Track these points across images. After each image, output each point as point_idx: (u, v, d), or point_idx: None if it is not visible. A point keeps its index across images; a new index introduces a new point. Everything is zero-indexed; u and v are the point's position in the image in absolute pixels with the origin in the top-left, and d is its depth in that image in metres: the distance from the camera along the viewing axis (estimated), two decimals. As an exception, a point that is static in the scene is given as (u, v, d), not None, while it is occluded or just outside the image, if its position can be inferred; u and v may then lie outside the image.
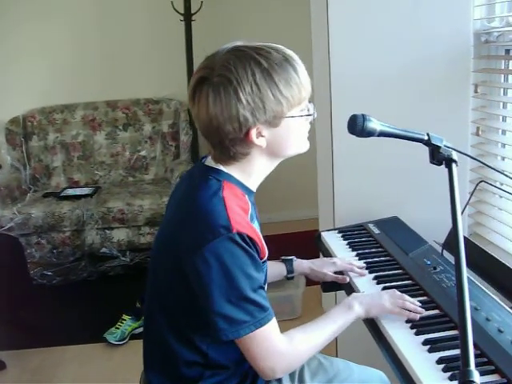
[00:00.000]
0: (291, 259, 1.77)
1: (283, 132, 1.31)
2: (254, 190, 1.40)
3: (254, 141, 1.27)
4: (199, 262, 1.20)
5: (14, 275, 3.53)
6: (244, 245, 1.22)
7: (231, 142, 1.28)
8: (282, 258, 1.78)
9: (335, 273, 1.73)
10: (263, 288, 1.29)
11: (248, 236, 1.23)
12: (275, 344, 1.28)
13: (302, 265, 1.77)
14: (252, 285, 1.23)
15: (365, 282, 1.67)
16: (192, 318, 1.32)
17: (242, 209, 1.29)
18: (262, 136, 1.28)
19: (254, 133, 1.26)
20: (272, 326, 1.27)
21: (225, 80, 1.23)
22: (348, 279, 1.68)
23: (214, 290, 1.20)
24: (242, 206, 1.31)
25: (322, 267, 1.74)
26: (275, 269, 1.75)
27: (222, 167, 1.34)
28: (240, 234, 1.21)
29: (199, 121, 1.30)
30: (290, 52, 1.31)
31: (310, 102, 1.37)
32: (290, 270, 1.76)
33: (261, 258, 1.31)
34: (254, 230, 1.29)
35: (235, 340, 1.25)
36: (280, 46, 1.31)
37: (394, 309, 1.43)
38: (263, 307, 1.25)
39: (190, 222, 1.27)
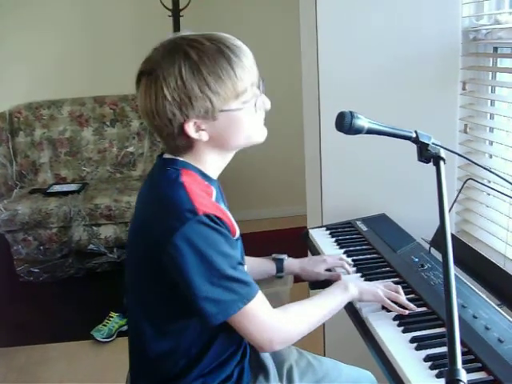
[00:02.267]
0: (282, 258, 1.76)
1: (224, 124, 1.27)
2: (215, 178, 1.38)
3: (191, 135, 1.25)
4: (173, 252, 1.18)
5: (0, 272, 3.51)
6: (213, 224, 1.20)
7: (169, 137, 1.27)
8: (273, 256, 1.77)
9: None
10: (242, 264, 1.28)
11: (215, 216, 1.21)
12: (267, 317, 1.28)
13: (292, 264, 1.76)
14: (230, 262, 1.22)
15: (353, 280, 1.66)
16: (170, 309, 1.30)
17: (204, 192, 1.28)
18: (202, 130, 1.26)
19: (190, 127, 1.24)
20: (259, 299, 1.27)
21: (154, 75, 1.22)
22: (342, 276, 1.68)
23: (194, 276, 1.18)
24: (204, 190, 1.29)
25: (315, 266, 1.72)
26: (265, 266, 1.75)
27: (177, 157, 1.33)
28: (207, 215, 1.19)
29: (141, 113, 1.30)
30: (229, 41, 1.26)
31: (260, 86, 1.32)
32: (280, 269, 1.75)
33: (232, 237, 1.29)
34: (221, 209, 1.29)
35: (227, 321, 1.24)
36: (222, 35, 1.26)
37: (386, 300, 1.44)
38: (246, 282, 1.24)
39: (155, 214, 1.26)
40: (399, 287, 1.49)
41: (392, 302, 1.45)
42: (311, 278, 1.75)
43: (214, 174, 1.37)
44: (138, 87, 1.27)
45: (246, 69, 1.26)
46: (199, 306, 1.20)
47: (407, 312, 1.42)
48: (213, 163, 1.35)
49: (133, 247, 1.37)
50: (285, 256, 1.77)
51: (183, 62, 1.20)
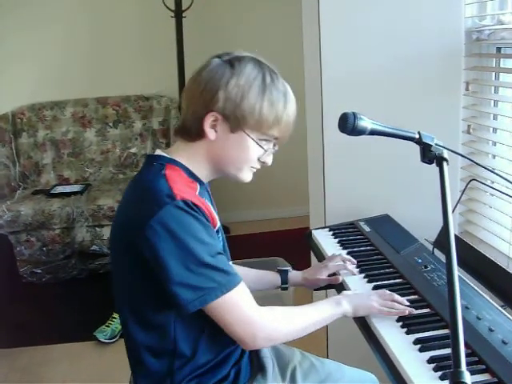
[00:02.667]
0: (286, 270, 1.76)
1: (233, 142, 1.33)
2: (204, 181, 1.39)
3: (205, 127, 1.30)
4: (150, 235, 1.19)
5: (2, 273, 3.51)
6: (190, 211, 1.21)
7: (193, 115, 1.31)
8: (278, 268, 1.78)
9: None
10: (223, 255, 1.27)
11: (193, 202, 1.22)
12: (248, 310, 1.27)
13: (296, 276, 1.77)
14: (208, 250, 1.21)
15: (356, 281, 1.66)
16: (151, 300, 1.30)
17: (187, 186, 1.30)
18: (215, 130, 1.31)
19: (208, 119, 1.29)
20: (241, 290, 1.26)
21: (232, 64, 1.30)
22: (341, 279, 1.67)
23: (170, 260, 1.18)
24: (188, 184, 1.31)
25: (315, 274, 1.72)
26: (270, 278, 1.76)
27: (164, 154, 1.35)
28: (184, 201, 1.21)
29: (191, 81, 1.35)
30: (292, 97, 1.37)
31: (275, 145, 1.39)
32: (285, 281, 1.75)
33: (212, 227, 1.29)
34: (202, 201, 1.29)
35: (205, 311, 1.23)
36: (289, 88, 1.37)
37: (383, 310, 1.42)
38: (226, 271, 1.24)
39: (135, 201, 1.28)
40: (394, 294, 1.47)
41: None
42: (314, 286, 1.77)
43: (203, 176, 1.38)
44: (204, 65, 1.33)
45: (288, 124, 1.35)
46: (173, 291, 1.20)
47: (407, 312, 1.41)
48: (202, 168, 1.37)
49: (114, 236, 1.37)
50: (289, 268, 1.78)
51: (259, 78, 1.30)
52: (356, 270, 1.71)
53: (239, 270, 1.73)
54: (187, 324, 1.31)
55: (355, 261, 1.74)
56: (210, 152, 1.34)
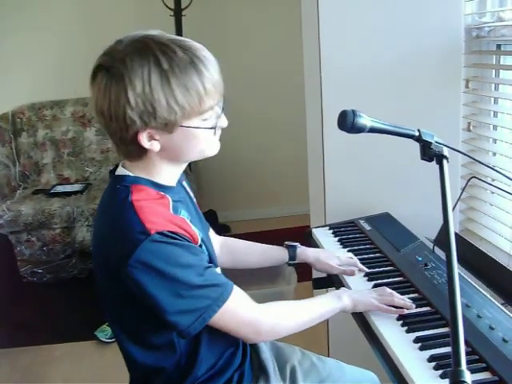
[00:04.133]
0: (295, 245, 1.73)
1: (179, 139, 1.21)
2: (173, 184, 1.32)
3: (144, 145, 1.18)
4: (132, 274, 1.13)
5: (3, 273, 3.51)
6: (169, 240, 1.15)
7: (121, 141, 1.19)
8: (286, 243, 1.75)
9: None
10: (210, 267, 1.24)
11: (168, 231, 1.16)
12: (247, 311, 1.27)
13: (305, 252, 1.73)
14: (196, 271, 1.18)
15: (356, 279, 1.66)
16: (147, 326, 1.27)
17: (158, 205, 1.22)
18: (155, 139, 1.19)
19: (144, 137, 1.17)
20: (236, 296, 1.24)
21: (118, 75, 1.13)
22: (356, 273, 1.67)
23: (160, 294, 1.14)
24: (159, 203, 1.23)
25: (329, 259, 1.70)
26: (276, 253, 1.73)
27: (127, 172, 1.26)
28: (159, 233, 1.14)
29: (93, 112, 1.22)
30: (201, 53, 1.18)
31: (220, 107, 1.25)
32: (292, 257, 1.72)
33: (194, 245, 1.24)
34: (176, 222, 1.21)
35: (210, 324, 1.22)
36: (193, 45, 1.19)
37: (382, 306, 1.42)
38: (216, 284, 1.21)
39: (110, 241, 1.20)
40: (393, 292, 1.47)
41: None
42: (323, 270, 1.73)
43: (170, 181, 1.31)
44: (94, 81, 1.17)
45: (215, 85, 1.19)
46: (173, 321, 1.18)
47: (406, 310, 1.41)
48: (166, 173, 1.28)
49: (98, 269, 1.30)
50: (298, 244, 1.75)
51: (153, 69, 1.12)
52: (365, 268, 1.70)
53: (240, 244, 1.74)
54: (187, 340, 1.29)
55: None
56: (165, 157, 1.25)
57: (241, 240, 1.76)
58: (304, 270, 2.07)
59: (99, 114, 1.18)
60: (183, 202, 1.35)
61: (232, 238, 1.74)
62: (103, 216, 1.28)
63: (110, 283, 1.24)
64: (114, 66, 1.14)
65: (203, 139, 1.24)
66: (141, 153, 1.22)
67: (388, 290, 1.48)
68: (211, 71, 1.18)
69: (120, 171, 1.28)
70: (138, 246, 1.12)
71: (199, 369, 1.32)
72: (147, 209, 1.18)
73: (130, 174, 1.26)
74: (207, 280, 1.20)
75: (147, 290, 1.14)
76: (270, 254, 1.74)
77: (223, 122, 1.27)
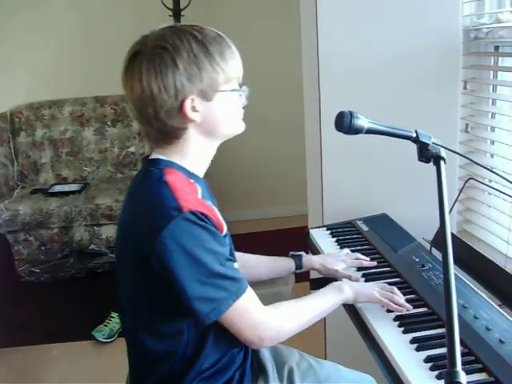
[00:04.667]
0: (300, 255, 1.76)
1: (217, 107, 1.30)
2: (201, 176, 1.38)
3: (188, 114, 1.26)
4: (160, 251, 1.17)
5: (1, 273, 3.50)
6: (199, 221, 1.20)
7: (167, 114, 1.26)
8: (291, 253, 1.78)
9: None
10: (231, 260, 1.28)
11: (201, 212, 1.21)
12: (257, 313, 1.28)
13: (311, 260, 1.76)
14: (218, 259, 1.21)
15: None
16: (161, 310, 1.29)
17: (189, 189, 1.28)
18: (197, 111, 1.27)
19: (188, 104, 1.25)
20: (249, 295, 1.27)
21: (160, 49, 1.23)
22: (360, 278, 1.67)
23: (183, 275, 1.18)
24: (189, 187, 1.29)
25: (333, 264, 1.72)
26: (282, 264, 1.76)
27: (160, 156, 1.33)
28: (192, 212, 1.19)
29: (132, 97, 1.27)
30: (221, 34, 1.33)
31: (239, 84, 1.37)
32: (299, 266, 1.75)
33: (219, 233, 1.28)
34: (207, 206, 1.28)
35: (218, 320, 1.23)
36: (213, 29, 1.33)
37: (383, 299, 1.44)
38: (234, 278, 1.24)
39: (141, 213, 1.25)
40: (394, 288, 1.48)
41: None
42: (329, 275, 1.74)
43: (200, 170, 1.38)
44: (131, 67, 1.27)
45: (237, 59, 1.33)
46: (192, 306, 1.20)
47: (405, 310, 1.42)
48: (197, 156, 1.35)
49: (121, 248, 1.37)
50: (302, 252, 1.78)
51: (191, 40, 1.25)
52: (374, 262, 1.73)
53: (252, 258, 1.77)
54: (197, 329, 1.31)
55: (374, 262, 1.74)
56: (202, 132, 1.32)
57: (250, 254, 1.77)
58: (301, 271, 2.07)
59: (143, 96, 1.24)
60: (208, 195, 1.41)
61: (241, 253, 1.74)
62: (135, 194, 1.34)
63: (132, 263, 1.28)
64: (153, 47, 1.24)
65: (235, 108, 1.35)
66: (182, 128, 1.29)
67: (388, 286, 1.50)
68: (232, 48, 1.32)
69: (153, 156, 1.35)
70: (169, 222, 1.17)
71: (203, 362, 1.33)
72: (181, 188, 1.24)
73: (164, 157, 1.32)
74: (227, 271, 1.23)
75: (172, 268, 1.18)
76: (278, 265, 1.77)
77: (244, 99, 1.38)
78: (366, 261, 1.74)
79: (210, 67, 1.25)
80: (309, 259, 1.76)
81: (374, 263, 1.73)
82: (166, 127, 1.28)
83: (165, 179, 1.25)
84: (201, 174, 1.38)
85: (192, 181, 1.32)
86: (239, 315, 1.25)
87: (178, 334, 1.31)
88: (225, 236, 1.33)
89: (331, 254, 1.82)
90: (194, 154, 1.34)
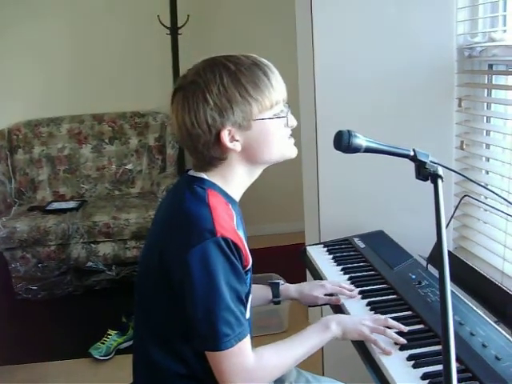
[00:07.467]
0: (277, 283, 1.72)
1: (257, 135, 1.31)
2: (237, 200, 1.40)
3: (227, 144, 1.28)
4: (184, 267, 1.19)
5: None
6: (227, 251, 1.21)
7: (204, 147, 1.29)
8: (269, 281, 1.75)
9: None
10: (243, 302, 1.27)
11: (232, 241, 1.22)
12: (246, 360, 1.25)
13: (288, 289, 1.72)
14: (233, 296, 1.22)
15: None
16: (178, 328, 1.29)
17: (227, 215, 1.29)
18: (236, 140, 1.29)
19: (225, 135, 1.27)
20: (247, 341, 1.26)
21: (193, 85, 1.27)
22: (341, 301, 1.62)
23: (197, 295, 1.19)
24: (227, 213, 1.30)
25: (312, 290, 1.68)
26: (261, 292, 1.70)
27: (204, 175, 1.34)
28: (224, 239, 1.21)
29: (174, 129, 1.33)
30: (262, 59, 1.35)
31: (287, 106, 1.37)
32: (276, 295, 1.71)
33: (245, 266, 1.29)
34: (239, 236, 1.29)
35: (207, 354, 1.23)
36: (253, 55, 1.35)
37: (371, 337, 1.37)
38: (241, 321, 1.23)
39: (176, 228, 1.27)
40: (388, 320, 1.42)
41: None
42: (309, 302, 1.71)
43: (238, 193, 1.39)
44: (173, 103, 1.31)
45: (279, 83, 1.33)
46: (195, 324, 1.21)
47: (392, 353, 1.34)
48: (241, 179, 1.37)
49: (147, 263, 1.36)
50: (281, 280, 1.75)
51: (223, 72, 1.27)
52: (355, 293, 1.66)
53: None
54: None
55: (355, 292, 1.67)
56: (244, 158, 1.34)
57: None
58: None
59: (182, 127, 1.29)
60: (241, 224, 1.40)
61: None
62: (173, 208, 1.34)
63: (156, 273, 1.29)
64: (189, 83, 1.28)
65: (278, 135, 1.35)
66: (221, 158, 1.32)
67: (382, 317, 1.44)
68: (273, 71, 1.34)
69: (197, 174, 1.36)
70: (201, 242, 1.19)
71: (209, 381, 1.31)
72: (220, 214, 1.26)
73: (206, 177, 1.34)
74: (237, 311, 1.23)
75: (189, 285, 1.20)
76: (256, 293, 1.65)
77: (292, 120, 1.38)
78: (348, 290, 1.66)
79: (241, 99, 1.26)
80: (286, 288, 1.72)
81: (356, 293, 1.66)
82: (205, 157, 1.31)
83: (208, 201, 1.27)
84: (238, 197, 1.40)
85: (230, 206, 1.34)
86: (231, 357, 1.22)
87: (197, 354, 1.30)
88: (247, 271, 1.32)
89: (310, 282, 1.78)
90: (236, 179, 1.36)
